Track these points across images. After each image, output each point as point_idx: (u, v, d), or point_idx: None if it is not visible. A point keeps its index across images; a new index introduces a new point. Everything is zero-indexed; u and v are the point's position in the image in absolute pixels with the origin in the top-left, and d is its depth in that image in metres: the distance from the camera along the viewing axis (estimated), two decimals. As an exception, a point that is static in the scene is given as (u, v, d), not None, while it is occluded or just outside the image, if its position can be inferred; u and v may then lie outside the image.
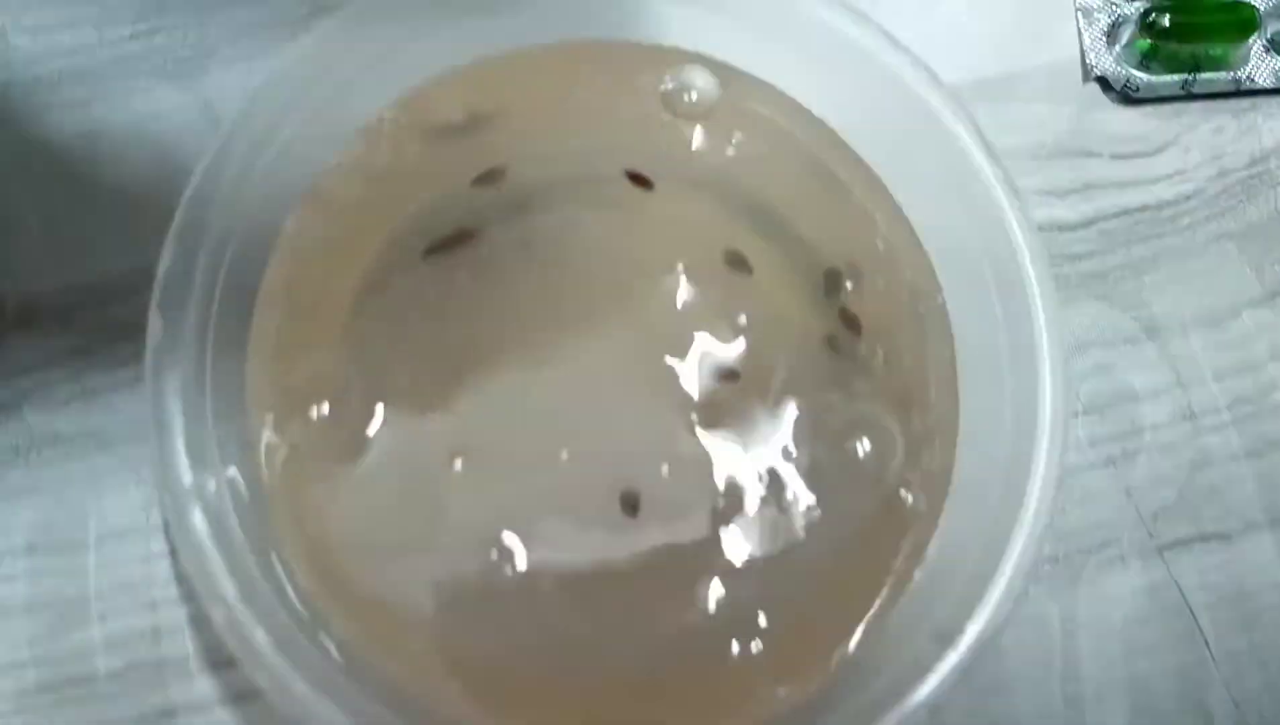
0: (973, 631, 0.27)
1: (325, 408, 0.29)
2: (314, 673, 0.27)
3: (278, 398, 0.29)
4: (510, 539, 0.29)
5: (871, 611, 0.29)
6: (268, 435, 0.29)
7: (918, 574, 0.29)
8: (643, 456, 0.30)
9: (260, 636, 0.27)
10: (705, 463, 0.30)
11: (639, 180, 0.31)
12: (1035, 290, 0.29)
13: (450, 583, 0.29)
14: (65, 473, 0.33)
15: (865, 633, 0.29)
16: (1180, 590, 0.33)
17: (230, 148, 0.29)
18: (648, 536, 0.29)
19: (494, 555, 0.29)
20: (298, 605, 0.28)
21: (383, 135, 0.31)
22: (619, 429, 0.30)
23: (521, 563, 0.29)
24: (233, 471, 0.28)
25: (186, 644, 0.31)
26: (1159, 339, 0.34)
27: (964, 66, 0.34)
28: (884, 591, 0.29)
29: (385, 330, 0.30)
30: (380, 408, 0.30)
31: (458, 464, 0.30)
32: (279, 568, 0.28)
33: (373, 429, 0.30)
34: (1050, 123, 0.36)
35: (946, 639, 0.27)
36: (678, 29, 0.32)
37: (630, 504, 0.30)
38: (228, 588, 0.27)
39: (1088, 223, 0.35)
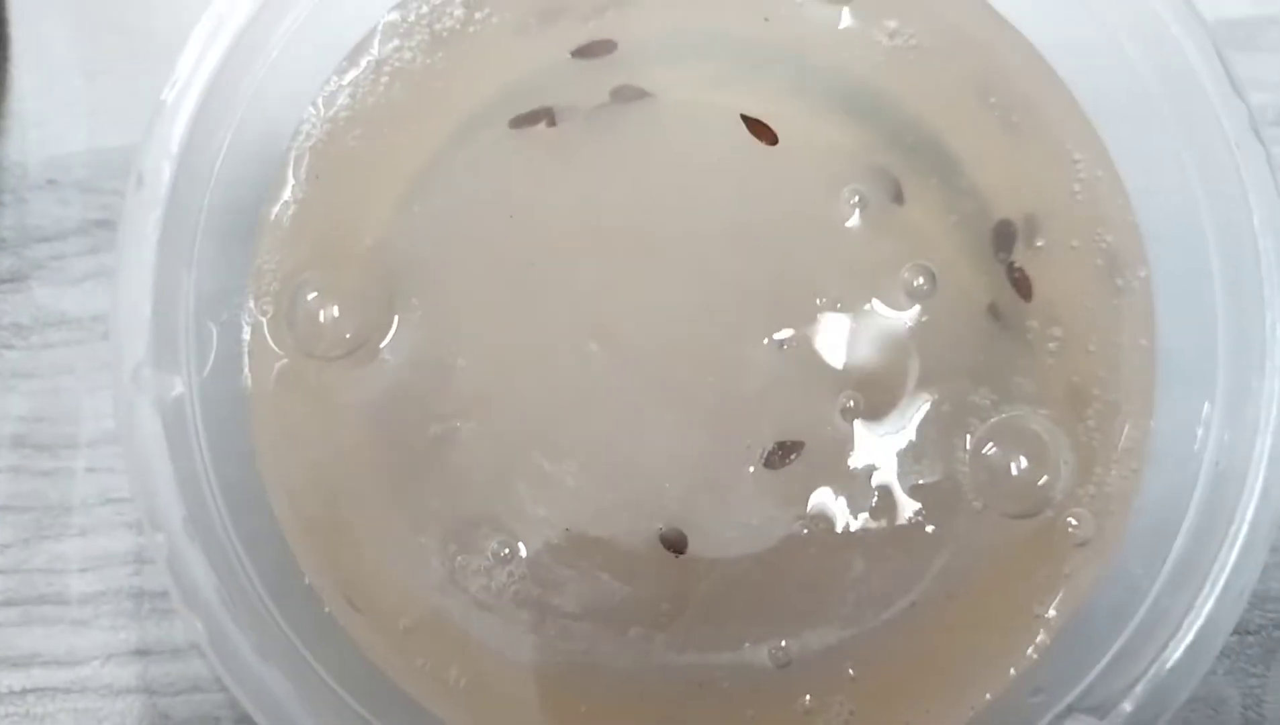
0: (1128, 709, 0.22)
1: (335, 309, 0.25)
2: (265, 635, 0.22)
3: (281, 290, 0.25)
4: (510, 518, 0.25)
5: (1005, 676, 0.24)
6: (264, 335, 0.25)
7: (1070, 629, 0.24)
8: (702, 473, 0.25)
9: (202, 575, 0.22)
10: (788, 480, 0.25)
11: (759, 128, 0.26)
12: (1276, 285, 0.23)
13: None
14: (66, 360, 0.29)
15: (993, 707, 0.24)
16: None
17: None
18: (697, 581, 0.25)
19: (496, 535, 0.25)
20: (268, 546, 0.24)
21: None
22: (664, 431, 0.25)
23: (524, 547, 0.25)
24: (210, 373, 0.24)
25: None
26: None
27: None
28: (1025, 650, 0.24)
29: (437, 221, 0.26)
30: (396, 320, 0.26)
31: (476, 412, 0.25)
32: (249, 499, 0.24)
33: (388, 341, 0.26)
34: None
35: (1099, 713, 0.23)
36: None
37: (674, 545, 0.25)
38: (174, 512, 0.22)
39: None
